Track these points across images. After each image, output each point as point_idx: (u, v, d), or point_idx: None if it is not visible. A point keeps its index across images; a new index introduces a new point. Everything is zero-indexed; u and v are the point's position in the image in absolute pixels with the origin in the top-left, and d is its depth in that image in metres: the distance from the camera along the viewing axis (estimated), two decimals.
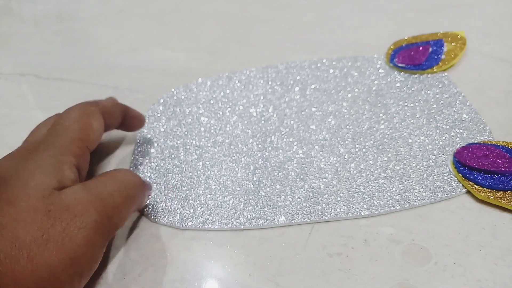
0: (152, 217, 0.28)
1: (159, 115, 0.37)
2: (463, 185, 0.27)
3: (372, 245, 0.25)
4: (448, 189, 0.27)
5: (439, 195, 0.27)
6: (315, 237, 0.26)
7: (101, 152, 0.34)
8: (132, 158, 0.33)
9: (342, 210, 0.27)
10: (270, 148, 0.32)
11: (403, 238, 0.25)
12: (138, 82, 0.41)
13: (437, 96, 0.34)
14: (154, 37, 0.48)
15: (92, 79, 0.42)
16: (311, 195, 0.28)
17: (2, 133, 0.37)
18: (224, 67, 0.41)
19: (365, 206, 0.27)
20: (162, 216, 0.28)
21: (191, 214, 0.28)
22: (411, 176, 0.28)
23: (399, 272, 0.24)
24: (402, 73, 0.37)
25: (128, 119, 0.32)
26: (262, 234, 0.27)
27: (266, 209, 0.28)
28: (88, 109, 0.28)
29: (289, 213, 0.27)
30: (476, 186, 0.27)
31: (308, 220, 0.27)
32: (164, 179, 0.31)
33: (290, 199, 0.28)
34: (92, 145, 0.27)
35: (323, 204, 0.27)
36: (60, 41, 0.49)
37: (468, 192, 0.27)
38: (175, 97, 0.38)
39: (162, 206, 0.29)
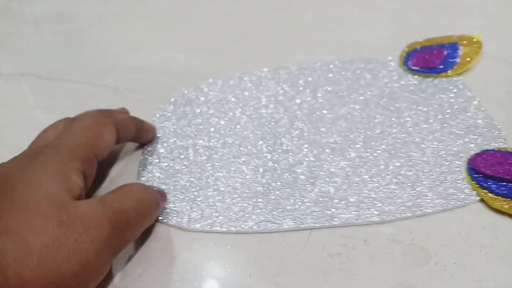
0: (160, 218, 0.28)
1: (169, 114, 0.36)
2: (477, 193, 0.27)
3: (372, 245, 0.25)
4: (462, 196, 0.27)
5: (452, 202, 0.26)
6: (315, 237, 0.26)
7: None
8: (142, 157, 0.33)
9: (352, 215, 0.27)
10: (280, 151, 0.32)
11: (403, 238, 0.25)
12: (138, 82, 0.41)
13: (451, 100, 0.34)
14: (154, 37, 0.48)
15: (92, 79, 0.42)
16: (320, 199, 0.28)
17: (2, 133, 0.37)
18: (224, 67, 0.41)
19: (375, 212, 0.26)
20: (170, 217, 0.28)
21: (199, 216, 0.28)
22: (424, 183, 0.28)
23: (399, 272, 0.24)
24: (415, 76, 0.36)
25: (141, 133, 0.33)
26: (262, 234, 0.27)
27: (274, 212, 0.27)
28: (102, 120, 0.28)
29: (298, 218, 0.27)
30: (490, 195, 0.26)
31: (317, 225, 0.26)
32: (173, 179, 0.31)
33: (299, 203, 0.28)
34: (101, 155, 0.27)
35: (333, 209, 0.27)
36: (60, 41, 0.49)
37: (482, 200, 0.26)
38: (186, 97, 0.38)
39: (171, 207, 0.29)
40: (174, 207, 0.29)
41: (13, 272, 0.19)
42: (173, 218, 0.28)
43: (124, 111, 0.33)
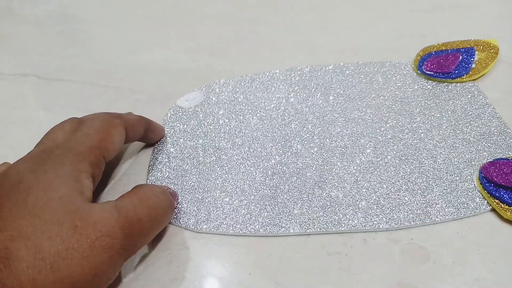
0: None
1: (180, 113, 0.37)
2: (488, 202, 0.26)
3: (371, 244, 0.26)
4: (472, 206, 0.26)
5: (463, 211, 0.26)
6: (314, 236, 0.26)
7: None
8: (152, 156, 0.33)
9: (359, 222, 0.26)
10: (289, 154, 0.31)
11: (402, 237, 0.26)
12: (139, 83, 0.41)
13: (465, 106, 0.33)
14: (154, 38, 0.48)
15: (93, 80, 0.42)
16: (328, 204, 0.28)
17: (3, 133, 0.37)
18: (224, 68, 0.41)
19: (384, 219, 0.26)
20: (178, 218, 0.28)
21: (206, 217, 0.28)
22: (434, 190, 0.27)
23: (398, 271, 0.24)
24: (430, 81, 0.36)
25: (149, 133, 0.33)
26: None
27: (281, 216, 0.27)
28: (112, 122, 0.28)
29: (305, 222, 0.27)
30: (502, 205, 0.26)
31: (324, 231, 0.26)
32: (182, 179, 0.31)
33: (307, 207, 0.28)
34: (109, 157, 0.28)
35: (340, 215, 0.27)
36: (61, 42, 0.49)
37: (493, 210, 0.26)
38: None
39: (179, 207, 0.29)
40: (182, 207, 0.29)
41: (27, 277, 0.19)
42: (181, 219, 0.28)
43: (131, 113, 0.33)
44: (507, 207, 0.25)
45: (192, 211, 0.29)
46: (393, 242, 0.25)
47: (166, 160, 0.33)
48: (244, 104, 0.36)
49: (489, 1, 0.45)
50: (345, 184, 0.29)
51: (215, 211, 0.28)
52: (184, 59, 0.44)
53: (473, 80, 0.35)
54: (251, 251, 0.26)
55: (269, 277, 0.25)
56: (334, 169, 0.30)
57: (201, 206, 0.29)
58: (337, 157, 0.31)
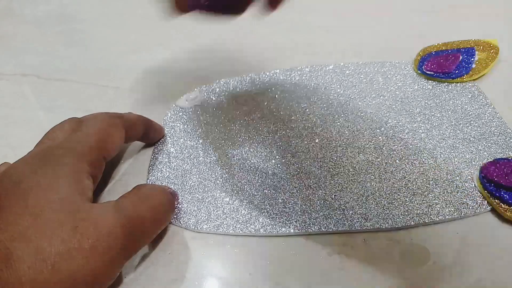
0: None
1: (180, 113, 0.37)
2: (488, 202, 0.26)
3: (371, 245, 0.26)
4: (473, 205, 0.26)
5: (463, 211, 0.26)
6: (314, 236, 0.26)
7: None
8: (152, 156, 0.33)
9: (359, 222, 0.26)
10: (289, 154, 0.31)
11: (402, 237, 0.26)
12: (139, 83, 0.41)
13: (465, 106, 0.33)
14: (154, 38, 0.48)
15: (93, 80, 0.42)
16: (328, 204, 0.28)
17: (3, 133, 0.37)
18: (224, 68, 0.41)
19: (384, 219, 0.26)
20: (178, 218, 0.28)
21: (206, 217, 0.28)
22: (434, 190, 0.27)
23: (398, 271, 0.24)
24: (430, 81, 0.36)
25: (149, 132, 0.33)
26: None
27: (282, 216, 0.27)
28: (112, 121, 0.28)
29: (306, 222, 0.27)
30: (503, 205, 0.26)
31: (324, 230, 0.26)
32: (182, 179, 0.31)
33: (308, 207, 0.28)
34: (109, 156, 0.28)
35: (341, 214, 0.27)
36: (61, 42, 0.49)
37: (493, 209, 0.26)
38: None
39: (179, 207, 0.29)
40: (182, 207, 0.29)
41: (28, 278, 0.19)
42: (181, 219, 0.28)
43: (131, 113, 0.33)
44: (507, 207, 0.25)
45: (192, 211, 0.29)
46: (393, 242, 0.25)
47: (166, 160, 0.33)
48: (244, 104, 0.36)
49: (489, 1, 0.45)
50: (346, 184, 0.29)
51: (215, 211, 0.28)
52: (184, 59, 0.44)
53: (473, 80, 0.35)
54: (251, 251, 0.26)
55: (269, 277, 0.25)
56: (334, 169, 0.30)
57: (201, 206, 0.29)
58: (337, 157, 0.31)
